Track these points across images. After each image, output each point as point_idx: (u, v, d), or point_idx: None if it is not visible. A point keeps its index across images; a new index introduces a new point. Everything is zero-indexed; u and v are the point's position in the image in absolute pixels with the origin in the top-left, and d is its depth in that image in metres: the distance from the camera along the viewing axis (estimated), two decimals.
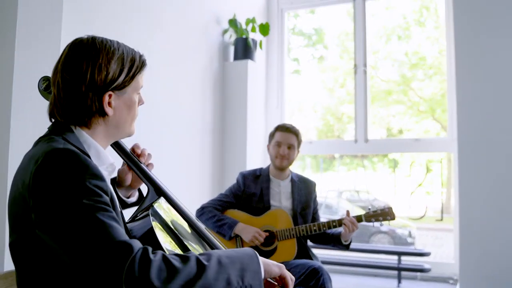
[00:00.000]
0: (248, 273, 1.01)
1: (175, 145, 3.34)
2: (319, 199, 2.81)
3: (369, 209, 2.52)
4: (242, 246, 2.51)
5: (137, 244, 0.92)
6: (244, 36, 3.88)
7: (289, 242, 2.51)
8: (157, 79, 3.12)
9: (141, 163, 1.31)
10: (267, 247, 2.52)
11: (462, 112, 3.34)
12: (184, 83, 3.45)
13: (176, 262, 0.91)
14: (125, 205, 1.40)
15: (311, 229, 2.49)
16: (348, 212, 2.48)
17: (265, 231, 2.53)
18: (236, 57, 3.96)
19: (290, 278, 1.14)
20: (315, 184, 2.79)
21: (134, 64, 1.16)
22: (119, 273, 0.86)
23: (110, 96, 1.11)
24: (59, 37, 2.18)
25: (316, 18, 5.25)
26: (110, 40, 1.15)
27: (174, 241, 1.14)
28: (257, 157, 4.09)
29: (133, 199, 1.43)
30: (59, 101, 1.10)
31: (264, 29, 3.92)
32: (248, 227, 2.50)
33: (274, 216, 2.57)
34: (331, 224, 2.48)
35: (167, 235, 1.13)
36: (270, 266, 1.10)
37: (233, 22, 3.83)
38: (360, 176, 5.69)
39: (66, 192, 0.92)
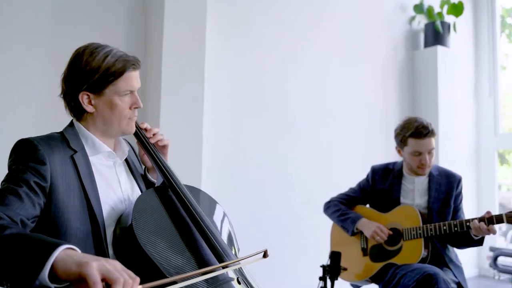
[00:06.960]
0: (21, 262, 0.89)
1: (353, 147, 3.37)
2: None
3: None
4: (366, 242, 2.45)
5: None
6: (433, 21, 3.56)
7: (415, 243, 2.27)
8: (331, 77, 3.24)
9: (150, 146, 1.43)
10: (391, 246, 2.36)
11: None
12: (361, 79, 3.46)
13: None
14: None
15: (440, 228, 2.20)
16: (488, 212, 2.13)
17: (392, 229, 2.37)
18: (426, 44, 3.66)
19: (94, 282, 0.82)
20: (459, 179, 2.42)
21: (110, 70, 1.25)
22: None
23: (88, 96, 1.27)
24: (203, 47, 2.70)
25: None
26: (102, 48, 1.28)
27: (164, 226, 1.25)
28: (455, 154, 3.69)
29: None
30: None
31: (457, 9, 3.48)
32: (371, 223, 2.39)
33: (401, 213, 2.36)
34: (464, 224, 2.17)
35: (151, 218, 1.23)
36: (67, 263, 0.87)
37: (418, 7, 3.57)
38: None
39: (9, 167, 1.20)
